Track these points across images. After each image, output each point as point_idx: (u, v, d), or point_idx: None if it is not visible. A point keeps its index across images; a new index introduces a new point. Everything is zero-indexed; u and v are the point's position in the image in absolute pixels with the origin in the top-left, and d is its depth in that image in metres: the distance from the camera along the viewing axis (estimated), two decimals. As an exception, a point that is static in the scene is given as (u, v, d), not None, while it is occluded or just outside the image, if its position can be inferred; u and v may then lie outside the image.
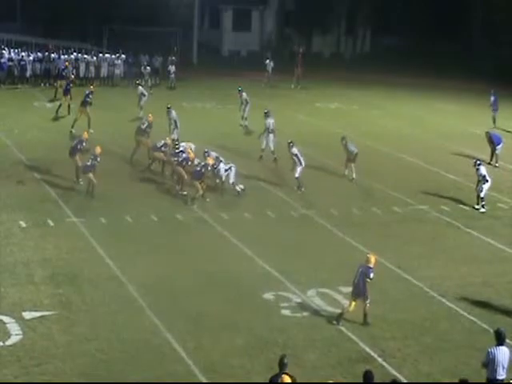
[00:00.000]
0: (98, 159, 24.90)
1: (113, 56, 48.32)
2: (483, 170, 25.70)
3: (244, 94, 36.56)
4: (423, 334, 16.82)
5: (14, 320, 16.37)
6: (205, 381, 14.60)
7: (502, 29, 60.64)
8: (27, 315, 16.61)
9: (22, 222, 22.29)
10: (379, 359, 15.59)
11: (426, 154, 32.71)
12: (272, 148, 30.03)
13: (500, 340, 13.63)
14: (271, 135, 30.18)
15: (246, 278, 19.17)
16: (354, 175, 28.08)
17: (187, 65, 53.68)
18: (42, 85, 45.37)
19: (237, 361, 15.28)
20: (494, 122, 38.49)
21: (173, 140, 28.39)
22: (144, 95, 37.18)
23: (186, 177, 25.37)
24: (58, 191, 25.18)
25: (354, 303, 16.91)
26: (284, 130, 32.06)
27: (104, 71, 47.46)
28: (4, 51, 45.98)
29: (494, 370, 13.46)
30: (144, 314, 16.98)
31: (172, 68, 47.56)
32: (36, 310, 16.89)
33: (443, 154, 33.01)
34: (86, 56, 47.48)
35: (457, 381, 12.64)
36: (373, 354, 15.79)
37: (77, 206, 23.97)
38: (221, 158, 26.12)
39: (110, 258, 19.94)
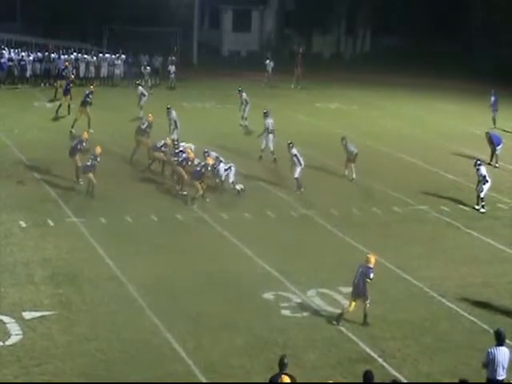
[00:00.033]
0: (98, 159, 24.90)
1: (113, 56, 48.31)
2: (483, 170, 25.70)
3: (244, 94, 36.56)
4: (423, 335, 16.82)
5: (13, 320, 16.37)
6: (205, 381, 14.61)
7: (502, 29, 60.59)
8: (27, 315, 16.62)
9: (22, 222, 22.30)
10: (379, 359, 15.60)
11: (426, 154, 32.72)
12: (272, 148, 30.03)
13: (500, 340, 13.64)
14: (271, 135, 30.18)
15: (246, 277, 19.17)
16: (354, 175, 28.08)
17: (187, 65, 53.65)
18: (42, 85, 45.36)
19: (237, 361, 15.29)
20: (494, 122, 38.48)
21: (173, 140, 28.40)
22: (144, 95, 37.18)
23: (186, 177, 25.37)
24: (57, 191, 25.18)
25: (353, 303, 16.91)
26: (284, 130, 32.07)
27: (104, 71, 47.45)
28: (4, 51, 45.97)
29: (494, 371, 13.46)
30: (144, 314, 16.99)
31: (172, 68, 47.55)
32: (36, 310, 16.89)
33: (443, 154, 33.01)
34: (85, 56, 47.46)
35: (457, 381, 12.65)
36: (373, 354, 15.80)
37: (77, 206, 23.97)
38: (221, 158, 26.14)
39: (109, 258, 19.95)
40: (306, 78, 49.54)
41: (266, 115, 30.75)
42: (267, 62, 49.71)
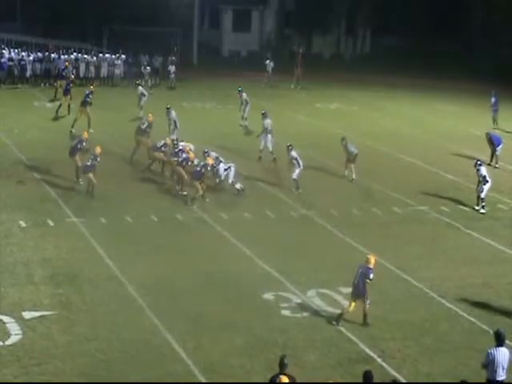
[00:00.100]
0: (98, 159, 24.90)
1: (113, 56, 48.28)
2: (484, 170, 25.71)
3: (244, 94, 36.56)
4: (423, 335, 16.83)
5: (13, 320, 16.37)
6: (204, 381, 14.61)
7: (502, 29, 60.62)
8: (27, 315, 16.62)
9: (21, 222, 22.30)
10: (379, 360, 15.60)
11: (426, 154, 32.73)
12: (270, 148, 30.04)
13: (500, 341, 13.64)
14: (269, 135, 30.20)
15: (246, 278, 19.17)
16: (354, 176, 28.08)
17: (187, 65, 53.64)
18: (42, 85, 45.34)
19: (236, 361, 15.29)
20: (495, 122, 38.49)
21: (172, 140, 28.41)
22: (144, 95, 37.18)
23: (185, 177, 25.37)
24: (58, 191, 25.18)
25: (353, 304, 16.92)
26: (284, 131, 32.08)
27: (104, 71, 47.44)
28: (4, 51, 45.94)
29: (494, 371, 13.46)
30: (144, 314, 16.99)
31: (172, 68, 47.54)
32: (36, 310, 16.89)
33: (443, 155, 33.02)
34: (86, 56, 47.43)
35: (457, 382, 12.65)
36: (372, 354, 15.80)
37: (77, 206, 23.97)
38: (221, 159, 26.15)
39: (109, 258, 19.95)
40: (306, 78, 49.54)
41: (264, 115, 30.78)
42: (267, 62, 49.70)
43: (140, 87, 37.86)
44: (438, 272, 20.31)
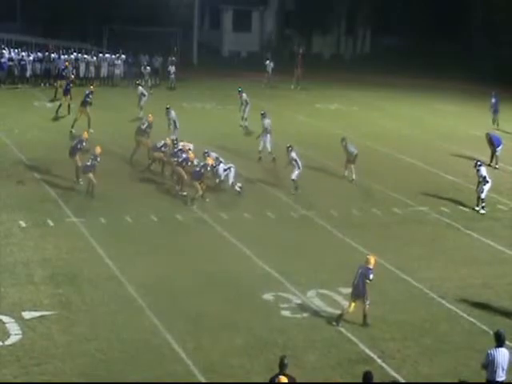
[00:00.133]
0: (98, 159, 24.90)
1: (113, 56, 48.30)
2: (484, 170, 25.71)
3: (244, 94, 36.56)
4: (423, 336, 16.83)
5: (13, 320, 16.37)
6: (204, 381, 14.61)
7: (502, 29, 60.61)
8: (27, 315, 16.62)
9: (21, 222, 22.29)
10: (379, 360, 15.60)
11: (426, 154, 32.74)
12: (269, 149, 30.05)
13: (500, 341, 13.64)
14: (268, 136, 30.21)
15: (246, 278, 19.17)
16: (354, 176, 28.08)
17: (187, 65, 53.65)
18: (42, 85, 45.35)
19: (236, 361, 15.29)
20: (495, 123, 38.47)
21: (172, 140, 28.41)
22: (144, 95, 37.18)
23: (185, 177, 25.37)
24: (58, 191, 25.18)
25: (353, 304, 16.91)
26: (284, 131, 32.10)
27: (104, 71, 47.45)
28: (4, 51, 45.96)
29: (494, 372, 13.46)
30: (144, 314, 16.99)
31: (172, 68, 47.54)
32: (36, 310, 16.89)
33: (443, 155, 33.02)
34: (86, 56, 47.45)
35: (456, 382, 12.65)
36: (372, 355, 15.80)
37: (77, 206, 23.97)
38: (221, 159, 26.15)
39: (109, 258, 19.95)
40: (306, 78, 49.55)
41: (263, 116, 30.80)
42: (267, 62, 49.70)
43: (140, 87, 37.86)
44: (438, 272, 20.31)
